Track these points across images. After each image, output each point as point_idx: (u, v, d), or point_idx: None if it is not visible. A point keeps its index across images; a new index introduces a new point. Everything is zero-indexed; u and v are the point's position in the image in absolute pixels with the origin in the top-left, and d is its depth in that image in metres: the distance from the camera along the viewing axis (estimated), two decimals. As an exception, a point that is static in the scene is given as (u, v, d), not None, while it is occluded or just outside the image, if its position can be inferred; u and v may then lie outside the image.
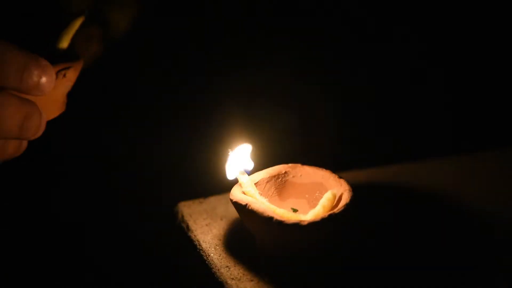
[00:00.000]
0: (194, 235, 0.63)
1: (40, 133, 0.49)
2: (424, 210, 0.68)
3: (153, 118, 0.82)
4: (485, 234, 0.63)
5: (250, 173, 0.62)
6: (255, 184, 0.61)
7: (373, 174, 0.75)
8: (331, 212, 0.56)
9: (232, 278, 0.56)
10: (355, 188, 0.59)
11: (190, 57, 0.78)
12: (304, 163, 0.64)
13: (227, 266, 0.58)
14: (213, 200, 0.69)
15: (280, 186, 0.64)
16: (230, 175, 0.60)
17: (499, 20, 0.81)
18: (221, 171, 0.60)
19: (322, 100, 0.79)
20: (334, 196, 0.58)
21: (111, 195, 0.82)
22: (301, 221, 0.55)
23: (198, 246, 0.62)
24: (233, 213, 0.61)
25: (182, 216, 0.66)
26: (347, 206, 0.57)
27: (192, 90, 0.81)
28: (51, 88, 0.48)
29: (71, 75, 0.53)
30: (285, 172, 0.64)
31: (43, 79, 0.47)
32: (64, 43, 0.56)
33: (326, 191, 0.59)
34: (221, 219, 0.66)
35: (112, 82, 0.75)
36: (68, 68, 0.53)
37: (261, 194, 0.60)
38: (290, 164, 0.64)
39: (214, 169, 0.62)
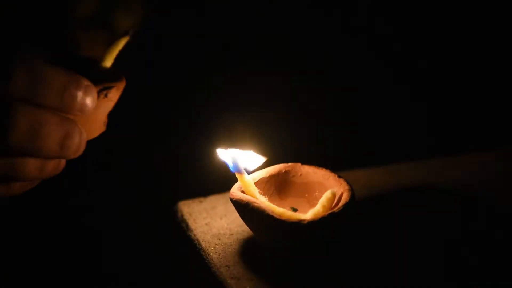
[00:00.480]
0: (194, 234, 0.63)
1: (80, 152, 0.48)
2: (423, 210, 0.68)
3: (152, 117, 0.82)
4: (485, 235, 0.63)
5: (249, 172, 0.62)
6: (255, 183, 0.61)
7: (373, 174, 0.75)
8: (331, 211, 0.56)
9: (232, 277, 0.56)
10: (355, 187, 0.60)
11: (190, 57, 0.78)
12: (303, 162, 0.64)
13: (226, 265, 0.58)
14: (212, 199, 0.69)
15: (280, 185, 0.64)
16: (232, 165, 0.60)
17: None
18: (223, 163, 0.60)
19: (322, 99, 0.79)
20: (334, 196, 0.58)
21: (110, 194, 0.82)
22: (301, 220, 0.55)
23: (197, 245, 0.62)
24: (233, 212, 0.61)
25: (182, 215, 0.66)
26: (346, 205, 0.57)
27: (192, 90, 0.81)
28: (93, 108, 0.48)
29: (113, 95, 0.52)
30: (285, 172, 0.64)
31: (85, 99, 0.46)
32: (107, 63, 0.54)
33: (326, 190, 0.59)
34: (221, 218, 0.66)
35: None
36: (110, 87, 0.52)
37: (261, 193, 0.60)
38: (290, 164, 0.64)
39: (214, 168, 0.62)
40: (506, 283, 0.56)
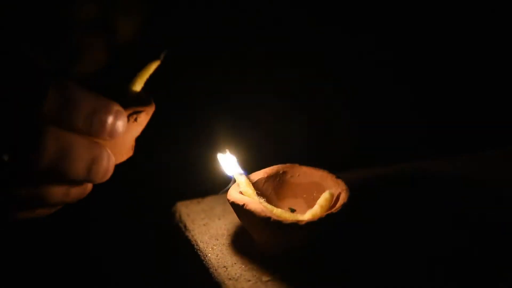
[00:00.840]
0: (192, 235, 0.63)
1: (107, 177, 0.48)
2: (422, 210, 0.68)
3: (151, 118, 0.82)
4: (484, 235, 0.63)
5: (247, 173, 0.61)
6: (252, 184, 0.61)
7: (371, 174, 0.75)
8: (329, 212, 0.56)
9: (230, 279, 0.56)
10: (352, 188, 0.59)
11: (191, 57, 0.78)
12: (301, 163, 0.64)
13: (224, 266, 0.58)
14: (211, 200, 0.69)
15: (278, 186, 0.64)
16: (228, 171, 0.60)
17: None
18: (220, 168, 0.60)
19: (320, 101, 0.79)
20: (332, 196, 0.58)
21: (109, 195, 0.82)
22: (298, 221, 0.55)
23: (195, 246, 0.62)
24: (231, 213, 0.61)
25: (180, 216, 0.66)
26: (344, 206, 0.57)
27: (192, 90, 0.81)
28: (122, 133, 0.47)
29: (143, 120, 0.52)
30: (283, 172, 0.64)
31: (115, 124, 0.46)
32: (138, 87, 0.54)
33: (323, 191, 0.59)
34: (219, 219, 0.66)
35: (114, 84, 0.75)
36: (139, 112, 0.51)
37: (258, 194, 0.60)
38: (287, 164, 0.64)
39: (212, 169, 0.62)
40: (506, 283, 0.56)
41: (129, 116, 0.50)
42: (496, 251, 0.60)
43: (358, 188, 0.61)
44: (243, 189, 0.59)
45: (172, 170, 0.83)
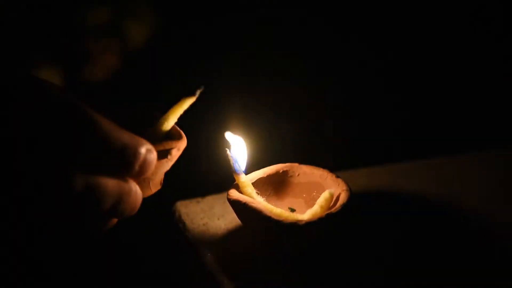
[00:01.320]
0: (191, 235, 0.63)
1: (134, 212, 0.47)
2: (422, 210, 0.68)
3: (151, 116, 0.82)
4: (485, 236, 0.63)
5: (247, 172, 0.61)
6: (252, 183, 0.61)
7: (371, 174, 0.75)
8: (329, 211, 0.56)
9: (229, 279, 0.56)
10: (352, 187, 0.59)
11: (193, 56, 0.78)
12: (301, 162, 0.64)
13: (223, 266, 0.58)
14: (210, 200, 0.69)
15: (277, 185, 0.64)
16: (235, 165, 0.60)
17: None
18: (225, 164, 0.60)
19: (319, 100, 0.79)
20: (332, 196, 0.58)
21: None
22: (298, 220, 0.54)
23: (194, 246, 0.61)
24: (231, 212, 0.61)
25: (179, 216, 0.66)
26: (344, 205, 0.56)
27: (192, 90, 0.81)
28: (152, 171, 0.47)
29: (174, 156, 0.52)
30: (283, 172, 0.64)
31: (145, 163, 0.45)
32: (170, 122, 0.54)
33: (323, 190, 0.59)
34: (218, 219, 0.65)
35: (118, 83, 0.75)
36: (171, 149, 0.51)
37: (258, 194, 0.59)
38: (287, 164, 0.64)
39: (211, 168, 0.62)
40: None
41: (159, 153, 0.49)
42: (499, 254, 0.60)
43: (358, 188, 0.61)
44: (243, 189, 0.59)
45: (171, 170, 0.83)
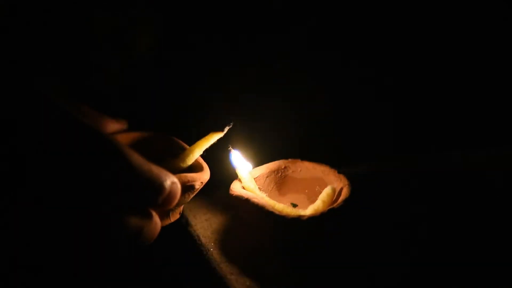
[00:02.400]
0: (194, 230, 0.63)
1: (151, 241, 0.47)
2: (424, 204, 0.68)
3: (156, 113, 0.82)
4: (483, 234, 0.63)
5: (249, 168, 0.62)
6: (254, 179, 0.61)
7: (373, 169, 0.75)
8: (331, 206, 0.56)
9: (231, 273, 0.56)
10: (354, 183, 0.60)
11: (195, 54, 0.78)
12: (303, 158, 0.64)
13: (226, 261, 0.58)
14: (213, 195, 0.69)
15: (279, 181, 0.64)
16: (236, 166, 0.60)
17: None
18: (227, 163, 0.60)
19: (321, 95, 0.79)
20: (334, 191, 0.58)
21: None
22: (300, 215, 0.55)
23: (197, 241, 0.62)
24: (233, 208, 0.61)
25: (182, 211, 0.66)
26: (346, 201, 0.57)
27: (196, 89, 0.81)
28: (175, 204, 0.47)
29: (197, 189, 0.53)
30: (285, 167, 0.64)
31: (169, 196, 0.45)
32: (196, 155, 0.55)
33: (325, 186, 0.59)
34: (221, 214, 0.66)
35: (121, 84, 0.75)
36: (195, 182, 0.52)
37: (260, 189, 0.60)
38: (289, 159, 0.65)
39: (214, 164, 0.62)
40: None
41: (183, 185, 0.49)
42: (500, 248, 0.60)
43: (360, 183, 0.61)
44: (245, 184, 0.59)
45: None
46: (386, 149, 0.78)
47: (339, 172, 0.62)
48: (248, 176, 0.60)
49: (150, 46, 0.73)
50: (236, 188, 0.58)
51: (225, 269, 0.57)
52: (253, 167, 0.63)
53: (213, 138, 0.55)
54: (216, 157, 0.60)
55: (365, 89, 0.81)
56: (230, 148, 0.60)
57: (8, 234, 0.42)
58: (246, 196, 0.56)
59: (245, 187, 0.59)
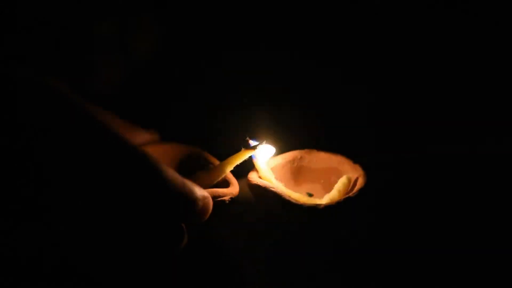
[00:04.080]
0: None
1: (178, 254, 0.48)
2: (436, 198, 0.68)
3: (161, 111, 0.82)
4: (486, 233, 0.63)
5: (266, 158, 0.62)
6: (271, 168, 0.61)
7: (389, 159, 0.74)
8: (347, 196, 0.57)
9: (247, 260, 0.57)
10: (370, 173, 0.60)
11: (197, 52, 0.78)
12: (319, 148, 0.65)
13: (241, 249, 0.59)
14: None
15: (295, 171, 0.64)
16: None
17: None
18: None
19: (337, 86, 0.79)
20: (349, 181, 0.59)
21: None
22: (317, 204, 0.55)
23: (209, 232, 0.62)
24: (250, 197, 0.62)
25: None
26: (362, 190, 0.57)
27: (207, 81, 0.81)
28: (205, 219, 0.48)
29: (227, 204, 0.54)
30: (301, 157, 0.64)
31: (201, 211, 0.46)
32: (227, 171, 0.56)
33: (341, 176, 0.60)
34: (238, 203, 0.66)
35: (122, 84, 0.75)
36: (225, 196, 0.54)
37: (277, 179, 0.60)
38: (305, 150, 0.65)
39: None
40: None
41: (214, 200, 0.51)
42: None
43: (375, 173, 0.61)
44: (262, 174, 0.60)
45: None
46: (406, 141, 0.78)
47: (354, 162, 0.62)
48: (265, 166, 0.60)
49: (151, 49, 0.73)
50: (253, 177, 0.59)
51: (240, 257, 0.58)
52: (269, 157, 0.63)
53: (245, 155, 0.56)
54: (232, 146, 0.60)
55: (383, 80, 0.80)
56: (248, 138, 0.61)
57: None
58: (263, 185, 0.57)
59: (261, 177, 0.60)
